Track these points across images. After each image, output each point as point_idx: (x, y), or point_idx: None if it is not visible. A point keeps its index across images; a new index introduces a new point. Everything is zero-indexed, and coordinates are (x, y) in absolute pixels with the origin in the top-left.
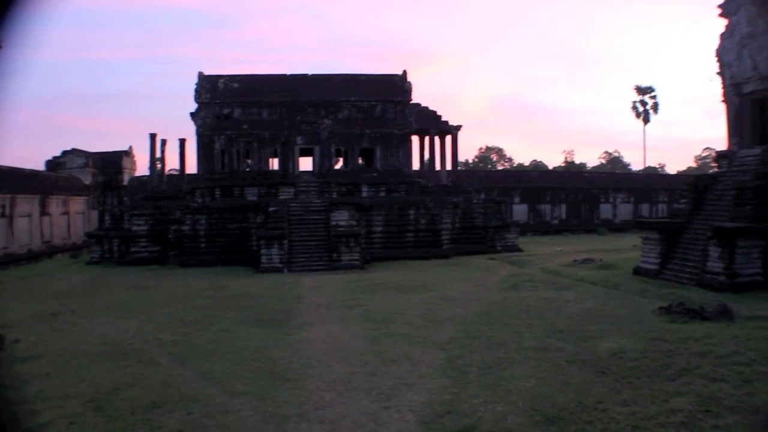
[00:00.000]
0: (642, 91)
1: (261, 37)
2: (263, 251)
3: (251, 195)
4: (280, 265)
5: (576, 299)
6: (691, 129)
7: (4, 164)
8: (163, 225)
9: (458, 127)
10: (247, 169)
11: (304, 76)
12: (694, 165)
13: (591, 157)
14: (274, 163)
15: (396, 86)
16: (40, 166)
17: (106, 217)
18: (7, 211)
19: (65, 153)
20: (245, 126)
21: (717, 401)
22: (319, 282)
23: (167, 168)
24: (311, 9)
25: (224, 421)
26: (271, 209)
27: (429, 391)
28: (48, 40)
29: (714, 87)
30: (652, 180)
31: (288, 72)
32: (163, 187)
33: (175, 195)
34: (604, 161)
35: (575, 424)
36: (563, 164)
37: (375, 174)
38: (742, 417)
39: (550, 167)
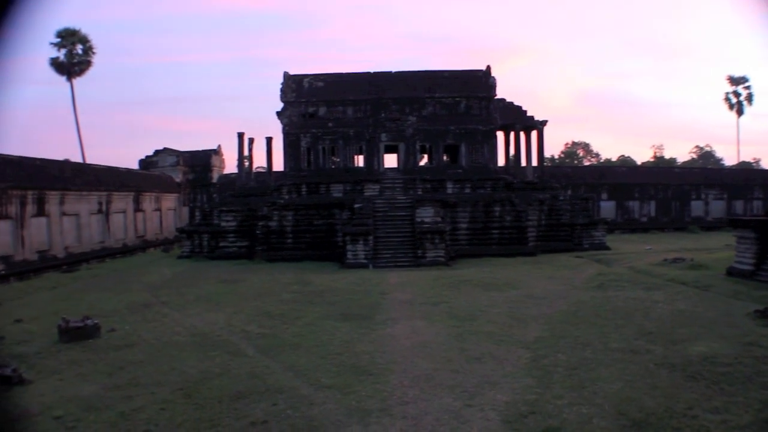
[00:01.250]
0: (735, 81)
1: (342, 36)
2: (348, 247)
3: (337, 192)
4: (365, 261)
5: (666, 300)
6: None
7: (101, 163)
8: (250, 221)
9: (544, 122)
10: (333, 167)
11: (388, 73)
12: None
13: (681, 152)
14: (359, 161)
15: (480, 82)
16: (134, 165)
17: (197, 213)
18: (104, 208)
19: (157, 152)
20: (330, 124)
21: None
22: (404, 278)
23: (255, 166)
24: (391, 6)
25: (308, 413)
26: (356, 206)
27: (513, 390)
28: (140, 46)
29: None
30: (747, 175)
31: (371, 70)
32: (250, 185)
33: (263, 192)
34: (695, 156)
35: (663, 431)
36: (652, 159)
37: (460, 170)
38: None
39: (639, 162)
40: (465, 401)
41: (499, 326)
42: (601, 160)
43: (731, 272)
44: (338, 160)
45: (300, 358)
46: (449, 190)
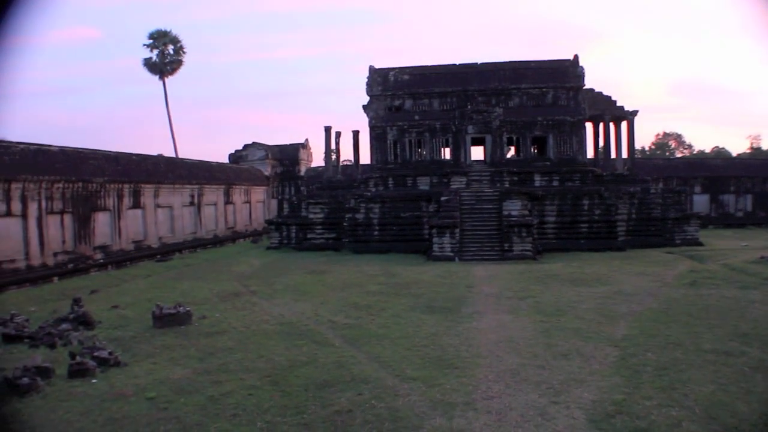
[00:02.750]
0: None
1: (425, 28)
2: (435, 239)
3: (423, 184)
4: (452, 254)
5: (762, 300)
6: None
7: (193, 158)
8: (337, 213)
9: (634, 113)
10: (419, 159)
11: (473, 65)
12: None
13: None
14: (446, 153)
15: (567, 71)
16: (225, 160)
17: (285, 206)
18: (196, 200)
19: (246, 146)
20: (416, 117)
21: None
22: (490, 271)
23: (341, 159)
24: None
25: (393, 404)
26: (442, 198)
27: (600, 389)
28: (229, 45)
29: None
30: None
31: (456, 62)
32: (337, 177)
33: (349, 184)
34: None
35: None
36: (749, 151)
37: (547, 162)
38: None
39: (734, 154)
40: (550, 398)
41: (587, 323)
42: (694, 152)
43: None
44: (424, 152)
45: (385, 350)
46: (536, 183)
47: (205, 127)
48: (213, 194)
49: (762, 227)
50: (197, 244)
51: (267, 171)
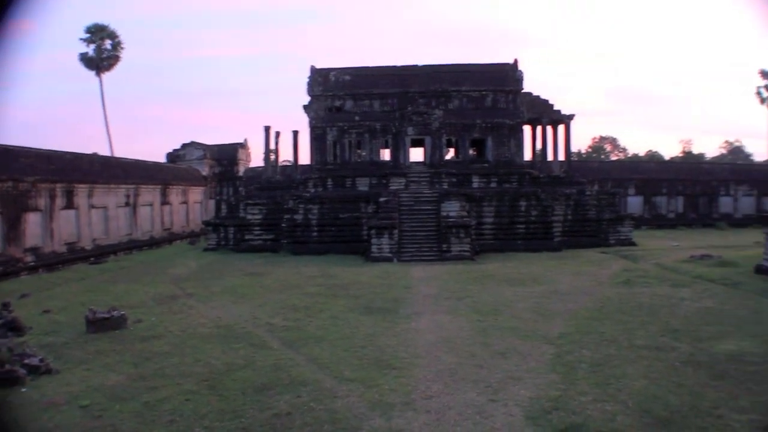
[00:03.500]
0: (767, 75)
1: (367, 29)
2: (373, 241)
3: (362, 185)
4: (390, 255)
5: (692, 297)
6: None
7: (129, 157)
8: (276, 214)
9: (571, 117)
10: (359, 160)
11: (414, 66)
12: None
13: (710, 147)
14: (385, 154)
15: (507, 75)
16: (162, 159)
17: (223, 206)
18: (132, 201)
19: (184, 146)
20: (356, 117)
21: None
22: (429, 272)
23: (281, 159)
24: None
25: (331, 406)
26: (381, 199)
27: (537, 386)
28: (168, 42)
29: None
30: None
31: (398, 63)
32: (276, 178)
33: (289, 185)
34: (724, 151)
35: (687, 429)
36: (680, 154)
37: (486, 164)
38: None
39: (667, 158)
40: (488, 396)
41: (524, 321)
42: (629, 155)
43: (760, 270)
44: (364, 153)
45: (324, 351)
46: (475, 185)
47: (143, 126)
48: (149, 194)
49: (692, 228)
50: (133, 246)
51: (205, 171)
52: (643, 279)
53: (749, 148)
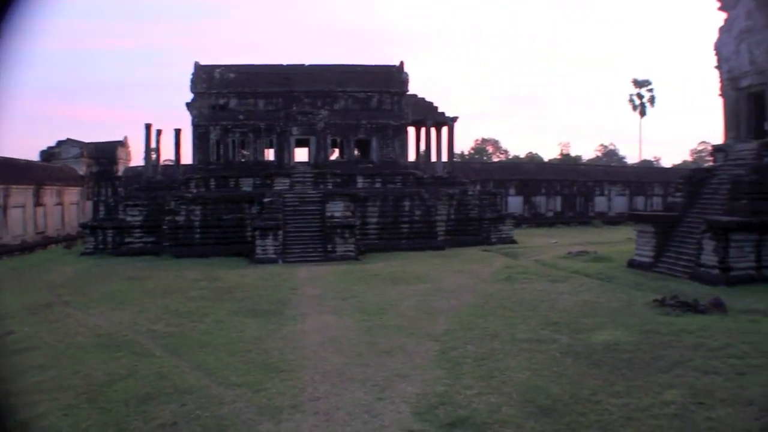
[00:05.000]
0: (639, 84)
1: (255, 26)
2: (258, 242)
3: (246, 186)
4: (275, 256)
5: (570, 291)
6: (688, 122)
7: None
8: (157, 216)
9: (454, 119)
10: (243, 160)
11: (301, 66)
12: (689, 159)
13: (587, 150)
14: (270, 154)
15: (392, 77)
16: (35, 157)
17: (101, 208)
18: (1, 202)
19: (60, 143)
20: (241, 116)
21: (710, 394)
22: (314, 273)
23: (162, 158)
24: None
25: (219, 413)
26: (266, 200)
27: (423, 382)
28: (41, 30)
29: (712, 81)
30: (648, 173)
31: (284, 62)
32: (158, 178)
33: (170, 185)
34: (599, 154)
35: (569, 416)
36: (559, 157)
37: (371, 165)
38: (735, 409)
39: (546, 159)
40: (376, 395)
41: (409, 319)
42: (510, 157)
43: (632, 264)
44: (248, 153)
45: (209, 357)
46: (360, 185)
47: (13, 121)
48: (20, 195)
49: (570, 226)
50: (3, 251)
51: (82, 170)
52: (524, 275)
53: (622, 151)
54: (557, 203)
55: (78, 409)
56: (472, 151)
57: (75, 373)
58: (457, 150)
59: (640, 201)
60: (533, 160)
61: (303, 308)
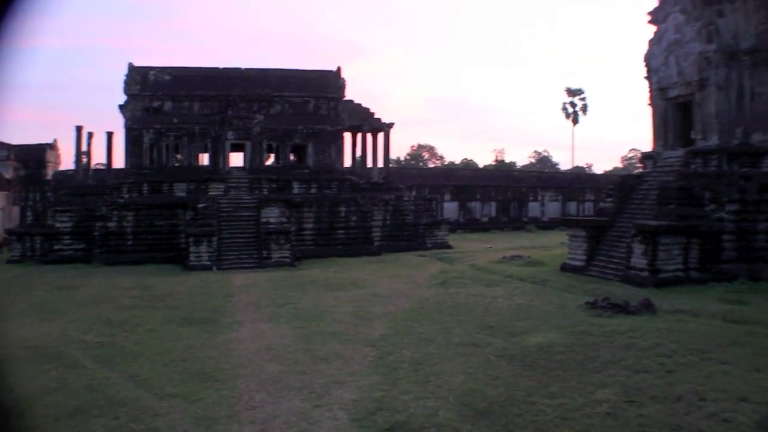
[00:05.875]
0: (572, 93)
1: (193, 28)
2: (192, 249)
3: (180, 191)
4: (209, 263)
5: (505, 295)
6: (618, 130)
7: None
8: (88, 222)
9: (391, 125)
10: (177, 165)
11: (237, 70)
12: (620, 165)
13: (521, 156)
14: (205, 159)
15: (329, 82)
16: None
17: (28, 214)
18: None
19: None
20: (175, 120)
21: (640, 391)
22: (249, 280)
23: (93, 162)
24: (245, 2)
25: (153, 425)
26: (200, 206)
27: (360, 388)
28: None
29: (642, 91)
30: (580, 179)
31: (221, 65)
32: (89, 182)
33: (102, 191)
34: (533, 160)
35: (505, 418)
36: (494, 163)
37: (306, 171)
38: (665, 406)
39: (481, 166)
40: (313, 402)
41: (345, 326)
42: (446, 163)
43: (565, 268)
44: (183, 158)
45: (142, 367)
46: (295, 191)
47: None
48: None
49: (504, 231)
50: None
51: (8, 174)
52: (459, 280)
53: (556, 157)
54: (492, 209)
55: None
56: (408, 157)
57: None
58: (393, 156)
59: (572, 206)
60: (468, 166)
61: (238, 316)
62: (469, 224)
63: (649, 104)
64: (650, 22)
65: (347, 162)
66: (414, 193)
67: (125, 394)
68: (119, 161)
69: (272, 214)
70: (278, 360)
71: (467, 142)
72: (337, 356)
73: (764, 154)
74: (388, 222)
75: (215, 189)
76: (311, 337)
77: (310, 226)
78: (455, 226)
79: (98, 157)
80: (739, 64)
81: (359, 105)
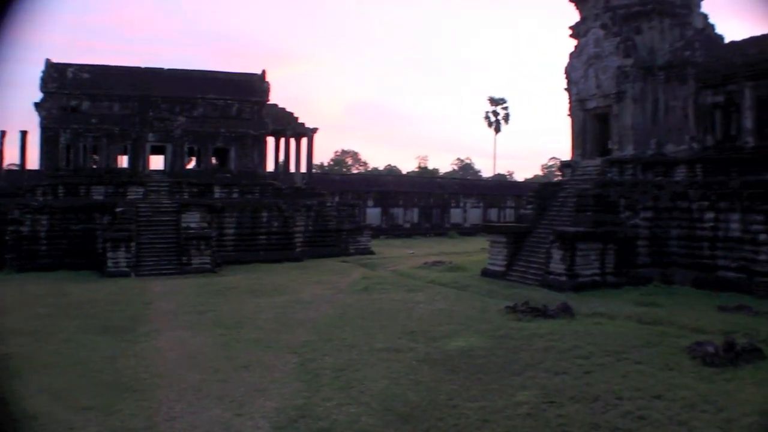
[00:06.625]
0: (495, 102)
1: (116, 25)
2: (109, 254)
3: (98, 194)
4: (128, 269)
5: (426, 300)
6: (539, 139)
7: None
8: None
9: (314, 130)
10: (95, 167)
11: (160, 70)
12: (540, 173)
13: (444, 163)
14: (124, 161)
15: (254, 86)
16: None
17: None
18: None
19: None
20: (94, 120)
21: (560, 392)
22: (169, 287)
23: (6, 163)
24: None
25: None
26: (118, 209)
27: (282, 396)
28: None
29: (562, 102)
30: (501, 186)
31: (143, 65)
32: (0, 184)
33: (14, 193)
34: (456, 167)
35: (427, 422)
36: (417, 169)
37: (229, 175)
38: (583, 405)
39: (404, 172)
40: (234, 411)
41: (267, 332)
42: (369, 169)
43: (486, 273)
44: (101, 159)
45: (56, 379)
46: (217, 195)
47: None
48: None
49: (427, 237)
50: None
51: None
52: (381, 285)
53: (478, 165)
54: (414, 215)
55: None
56: (331, 163)
57: None
58: (316, 161)
59: (493, 213)
60: (392, 172)
61: (157, 324)
62: (392, 230)
63: (569, 115)
64: (572, 36)
65: (270, 167)
66: (337, 199)
67: (38, 408)
68: (34, 162)
69: (193, 219)
70: (198, 368)
71: (391, 149)
72: (258, 364)
73: (677, 164)
74: (311, 228)
75: (134, 192)
76: (232, 345)
77: (232, 231)
78: (378, 232)
79: (11, 158)
80: (655, 79)
81: (283, 109)
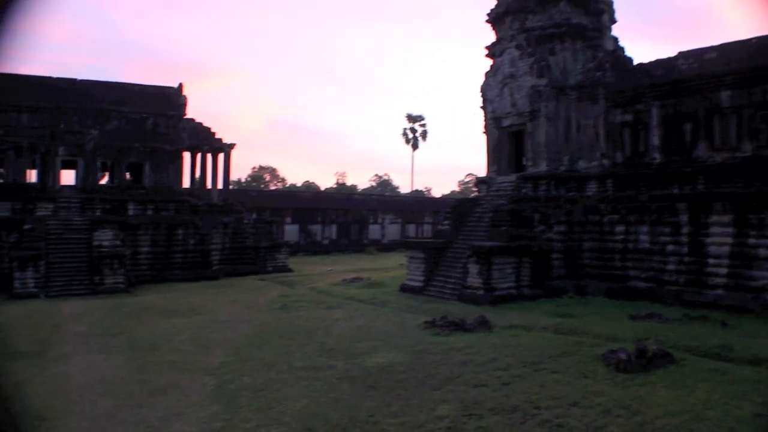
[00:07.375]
0: (413, 119)
1: (26, 31)
2: (17, 274)
3: (4, 210)
4: (36, 290)
5: (345, 317)
6: (456, 156)
7: None
8: None
9: (231, 145)
10: (1, 181)
11: (73, 80)
12: (457, 189)
13: (362, 180)
14: (33, 176)
15: (170, 99)
16: None
17: None
18: None
19: None
20: (0, 132)
21: (479, 404)
22: (80, 308)
23: None
24: (89, 7)
25: None
26: (26, 227)
27: (199, 420)
28: None
29: (477, 119)
30: (419, 202)
31: (55, 74)
32: None
33: None
34: (374, 184)
35: None
36: (335, 186)
37: (143, 191)
38: (503, 416)
39: (323, 188)
40: None
41: (183, 354)
42: (287, 185)
43: (404, 289)
44: (8, 174)
45: None
46: (131, 212)
47: None
48: None
49: (345, 253)
50: None
51: None
52: (299, 303)
53: (396, 181)
54: (333, 231)
55: None
56: (249, 179)
57: None
58: (234, 177)
59: (411, 229)
60: (310, 188)
61: (67, 347)
62: (310, 247)
63: (485, 132)
64: (488, 55)
65: (186, 183)
66: (254, 216)
67: None
68: None
69: (106, 237)
70: (112, 394)
71: (310, 165)
72: (174, 387)
73: (588, 180)
74: (228, 245)
75: (44, 209)
76: (147, 368)
77: (147, 249)
78: (296, 249)
79: None
80: (567, 98)
81: (200, 124)
